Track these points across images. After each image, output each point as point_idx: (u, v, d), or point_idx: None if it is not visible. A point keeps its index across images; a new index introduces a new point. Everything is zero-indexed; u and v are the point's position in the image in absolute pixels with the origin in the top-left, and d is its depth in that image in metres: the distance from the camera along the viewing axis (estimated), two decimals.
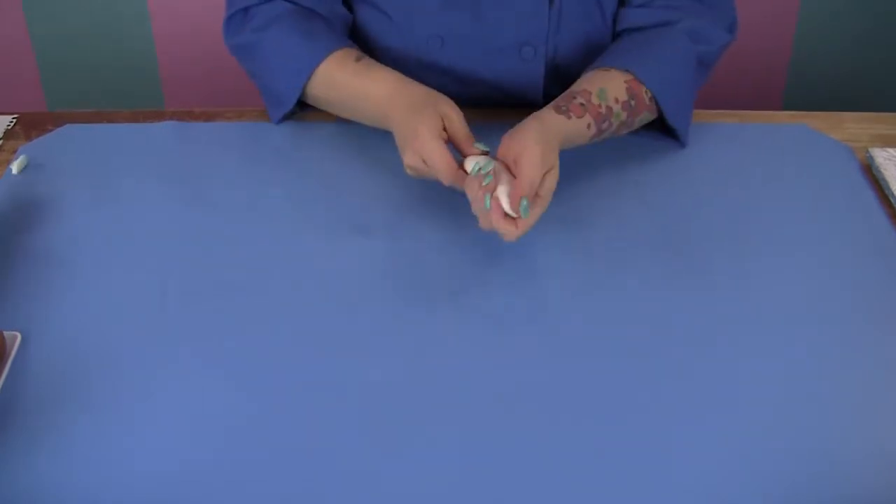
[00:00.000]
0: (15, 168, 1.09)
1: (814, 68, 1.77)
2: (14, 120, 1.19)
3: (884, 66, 1.78)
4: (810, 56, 1.75)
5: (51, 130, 1.17)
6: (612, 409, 0.81)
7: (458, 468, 0.76)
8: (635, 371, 0.85)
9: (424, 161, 0.97)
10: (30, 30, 1.74)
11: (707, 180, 1.08)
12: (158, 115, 1.19)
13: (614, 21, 1.15)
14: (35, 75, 1.79)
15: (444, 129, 0.98)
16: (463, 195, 0.95)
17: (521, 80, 1.16)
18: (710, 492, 0.75)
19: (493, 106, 1.17)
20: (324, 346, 0.87)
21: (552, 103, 1.02)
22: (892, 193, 1.05)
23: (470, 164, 0.95)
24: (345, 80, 1.09)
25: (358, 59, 1.09)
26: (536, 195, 0.92)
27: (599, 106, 1.03)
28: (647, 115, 1.10)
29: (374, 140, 1.08)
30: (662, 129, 1.14)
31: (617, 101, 1.05)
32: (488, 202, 0.90)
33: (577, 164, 1.05)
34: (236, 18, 1.15)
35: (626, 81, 1.06)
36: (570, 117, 1.00)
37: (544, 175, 0.93)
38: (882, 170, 1.08)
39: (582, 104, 1.02)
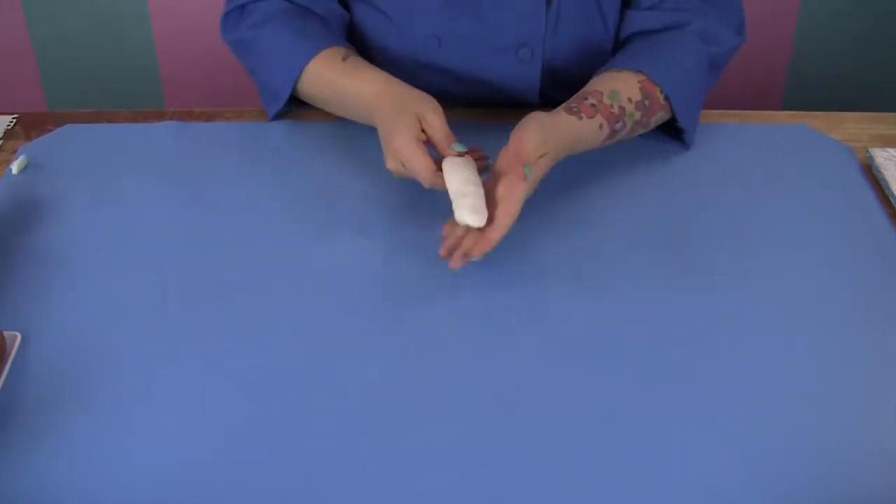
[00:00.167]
0: (15, 168, 1.09)
1: (814, 68, 1.76)
2: (14, 120, 1.19)
3: (884, 66, 1.78)
4: (810, 56, 1.75)
5: (51, 130, 1.17)
6: (612, 409, 0.81)
7: (458, 468, 0.76)
8: (635, 371, 0.85)
9: (403, 164, 0.97)
10: (30, 30, 1.74)
11: (707, 180, 1.08)
12: (158, 115, 1.20)
13: (618, 25, 1.15)
14: (35, 75, 1.79)
15: (423, 131, 0.98)
16: None
17: (518, 81, 1.15)
18: (710, 492, 0.75)
19: (490, 106, 1.17)
20: (323, 346, 0.87)
21: (563, 104, 1.02)
22: (892, 193, 1.05)
23: (446, 166, 0.95)
24: (333, 79, 1.09)
25: (345, 58, 1.09)
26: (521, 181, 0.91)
27: (612, 106, 1.03)
28: (663, 115, 1.09)
29: (373, 140, 1.08)
30: (663, 130, 1.13)
31: (630, 101, 1.04)
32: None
33: (576, 164, 1.04)
34: (233, 15, 1.15)
35: (639, 82, 1.06)
36: (580, 118, 1.00)
37: (538, 158, 0.92)
38: (882, 170, 1.08)
39: (593, 105, 1.02)
